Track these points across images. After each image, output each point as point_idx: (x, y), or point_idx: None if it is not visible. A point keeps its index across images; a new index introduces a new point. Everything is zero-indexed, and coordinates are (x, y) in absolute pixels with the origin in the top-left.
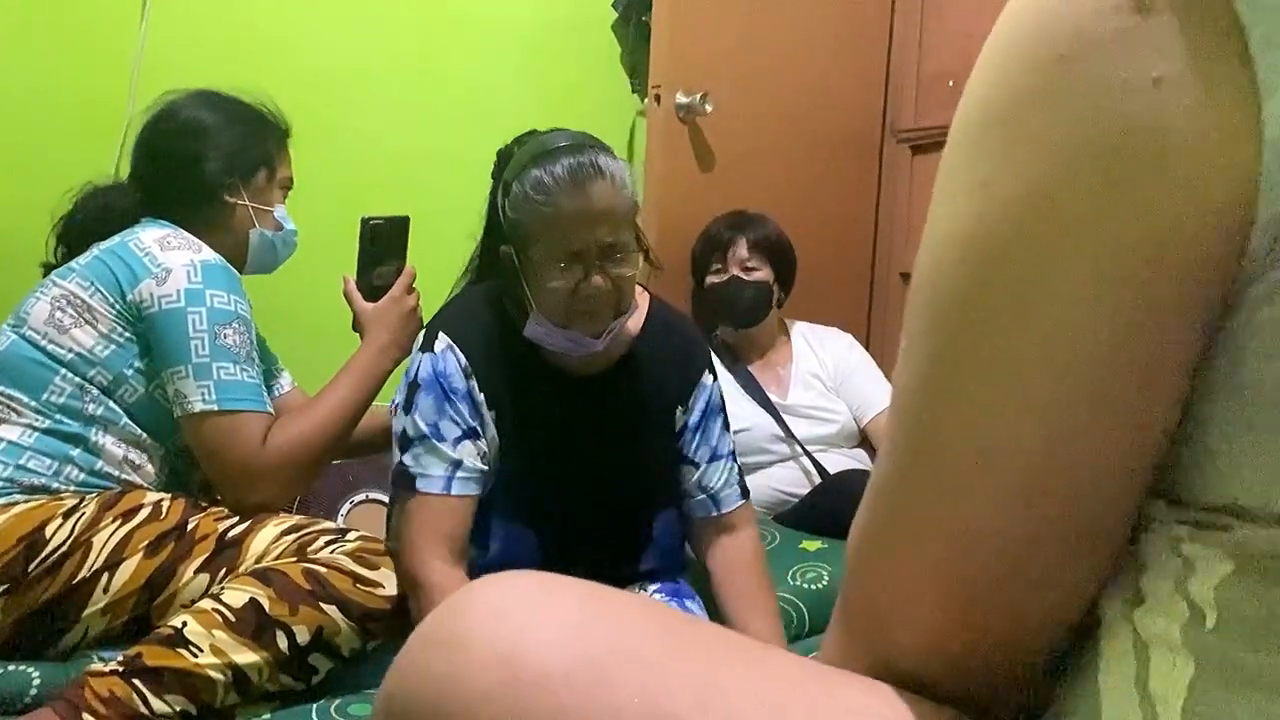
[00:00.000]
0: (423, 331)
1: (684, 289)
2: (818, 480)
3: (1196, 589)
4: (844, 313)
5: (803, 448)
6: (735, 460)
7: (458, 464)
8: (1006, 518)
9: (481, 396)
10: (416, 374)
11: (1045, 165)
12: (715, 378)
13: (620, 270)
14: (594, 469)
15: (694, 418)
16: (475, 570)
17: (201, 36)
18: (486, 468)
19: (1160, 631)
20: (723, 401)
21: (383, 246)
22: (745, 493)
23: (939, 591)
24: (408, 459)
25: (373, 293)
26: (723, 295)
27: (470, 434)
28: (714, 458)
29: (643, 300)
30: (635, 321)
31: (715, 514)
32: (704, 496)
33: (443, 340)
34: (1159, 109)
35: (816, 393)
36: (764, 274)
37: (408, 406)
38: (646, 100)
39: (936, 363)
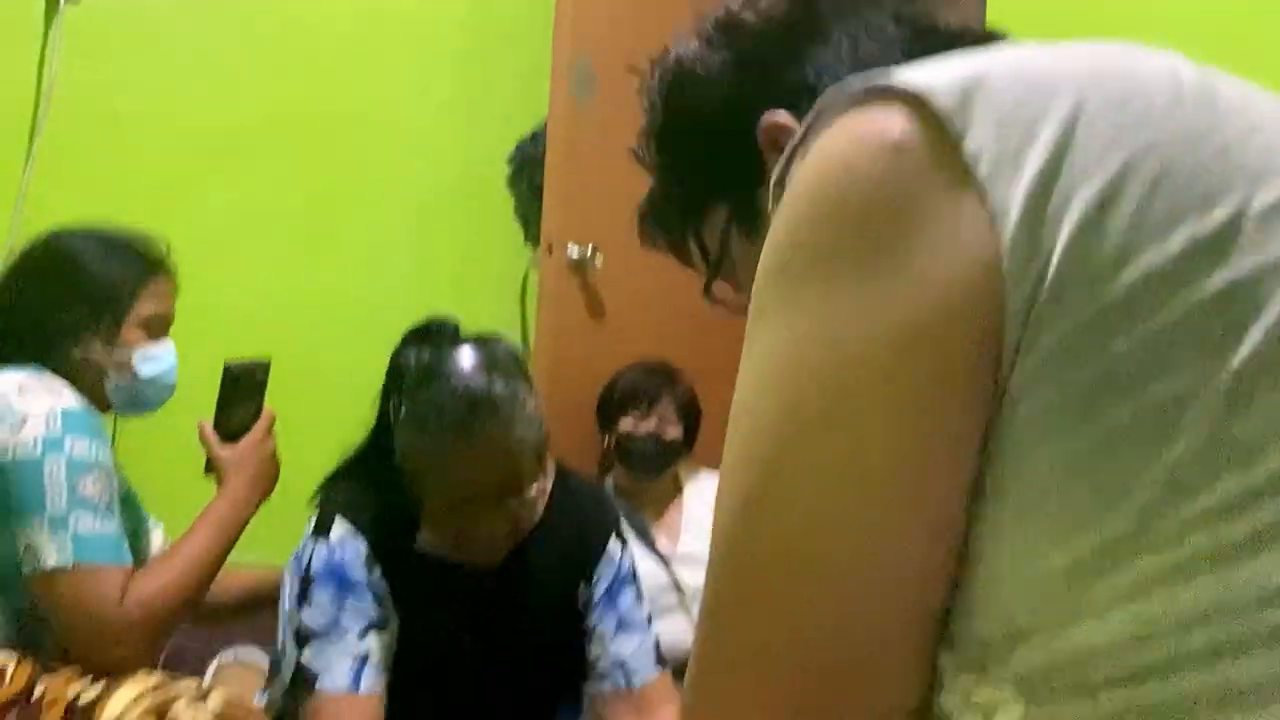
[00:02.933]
0: (314, 517)
1: (574, 436)
2: None
3: None
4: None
5: (692, 598)
6: (651, 632)
7: (364, 658)
8: (813, 629)
9: (385, 586)
10: (309, 566)
11: (827, 295)
12: (625, 545)
13: (519, 504)
14: (494, 664)
15: (599, 591)
16: None
17: (88, 178)
18: (388, 659)
19: None
20: (634, 572)
21: (243, 390)
22: (662, 661)
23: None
24: (305, 656)
25: (230, 436)
26: (640, 448)
27: (376, 625)
28: (624, 626)
29: (548, 471)
30: (539, 501)
31: (626, 687)
32: (614, 669)
33: (340, 526)
34: (917, 229)
35: (706, 541)
36: (678, 432)
37: (301, 600)
38: (539, 251)
39: (751, 485)
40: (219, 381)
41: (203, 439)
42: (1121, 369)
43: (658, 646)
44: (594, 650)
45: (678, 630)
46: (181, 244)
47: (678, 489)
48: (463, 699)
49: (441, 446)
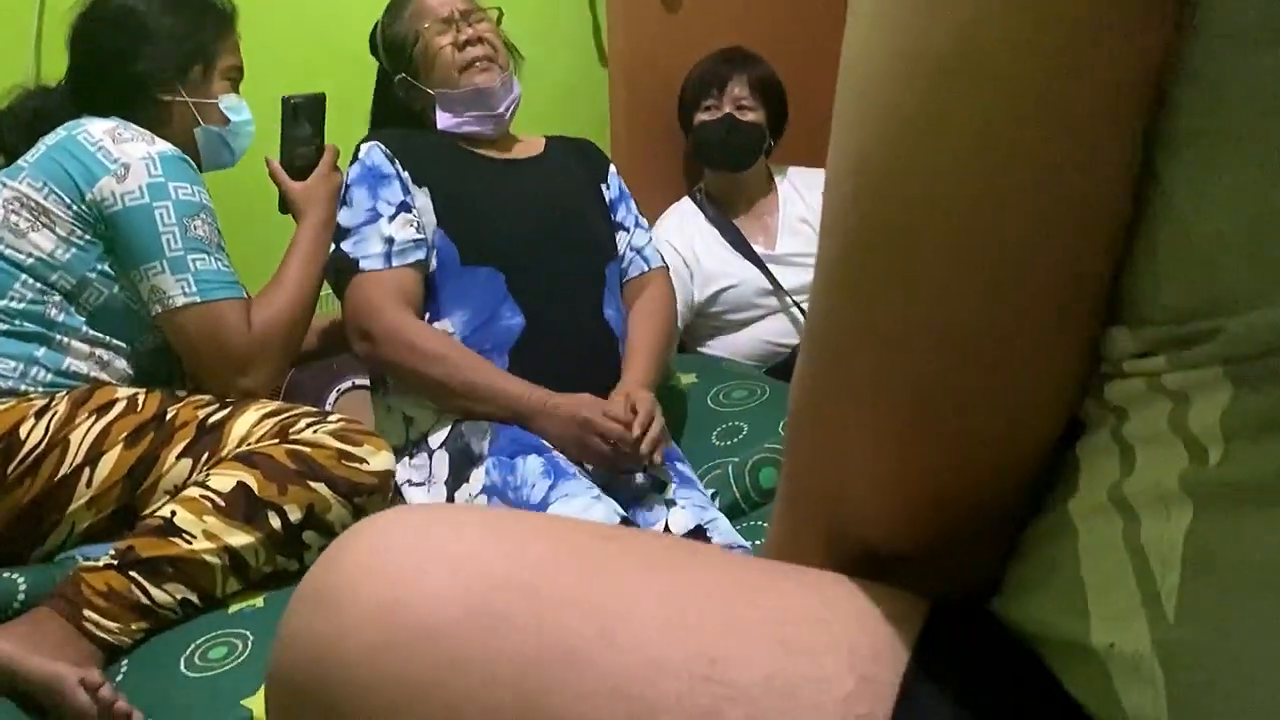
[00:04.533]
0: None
1: (655, 144)
2: None
3: (1197, 423)
4: (825, 153)
5: (792, 299)
6: (650, 234)
7: (391, 241)
8: (945, 299)
9: (408, 175)
10: (347, 178)
11: None
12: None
13: (484, 25)
14: (539, 220)
15: (615, 192)
16: (469, 336)
17: None
18: (423, 236)
19: (1152, 484)
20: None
21: (303, 124)
22: (661, 259)
23: (884, 424)
24: (346, 246)
25: (296, 172)
26: (715, 134)
27: (402, 208)
28: (638, 224)
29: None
30: (538, 144)
31: (645, 270)
32: (635, 255)
33: (367, 144)
34: None
35: (805, 239)
36: (758, 116)
37: (343, 202)
38: None
39: (871, 143)
40: (279, 117)
41: (274, 176)
42: None
43: (654, 247)
44: (620, 239)
45: (780, 331)
46: None
47: (771, 187)
48: (517, 243)
49: None
